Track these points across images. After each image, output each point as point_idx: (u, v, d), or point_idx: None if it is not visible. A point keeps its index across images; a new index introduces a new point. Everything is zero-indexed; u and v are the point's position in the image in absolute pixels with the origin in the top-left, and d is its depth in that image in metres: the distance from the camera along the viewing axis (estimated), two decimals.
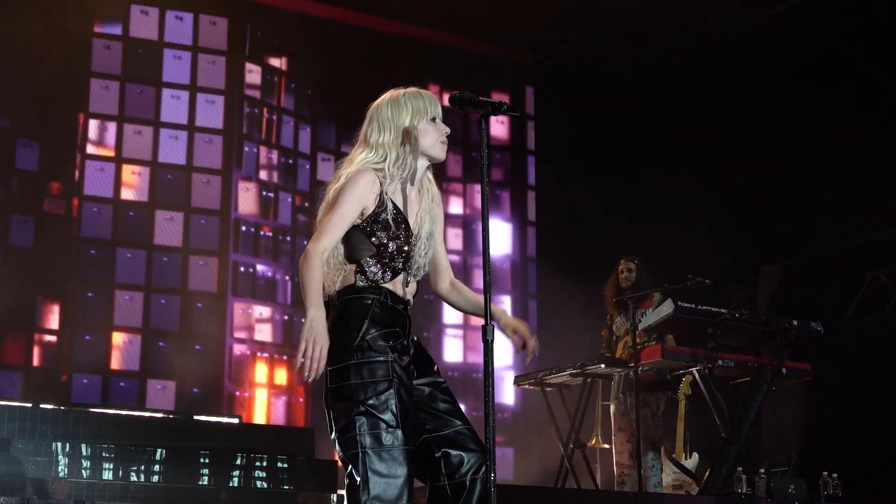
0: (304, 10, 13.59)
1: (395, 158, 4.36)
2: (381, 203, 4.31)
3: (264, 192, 13.40)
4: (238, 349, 12.86)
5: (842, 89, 11.08)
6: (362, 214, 4.30)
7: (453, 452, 4.24)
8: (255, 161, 13.39)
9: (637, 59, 12.23)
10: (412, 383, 4.27)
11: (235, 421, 10.83)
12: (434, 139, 4.40)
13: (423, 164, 4.47)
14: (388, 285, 4.30)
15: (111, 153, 12.73)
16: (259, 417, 12.61)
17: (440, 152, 4.43)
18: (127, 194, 12.74)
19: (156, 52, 13.17)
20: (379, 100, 4.46)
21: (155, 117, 13.01)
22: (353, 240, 4.32)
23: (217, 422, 10.12)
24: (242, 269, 13.11)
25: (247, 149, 13.31)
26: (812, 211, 11.19)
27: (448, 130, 4.45)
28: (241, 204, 13.23)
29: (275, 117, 13.55)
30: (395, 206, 4.35)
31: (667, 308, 8.48)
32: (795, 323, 8.74)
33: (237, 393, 12.66)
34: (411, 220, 4.40)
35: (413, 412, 4.20)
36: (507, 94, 14.44)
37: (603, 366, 9.10)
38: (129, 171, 12.80)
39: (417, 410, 4.27)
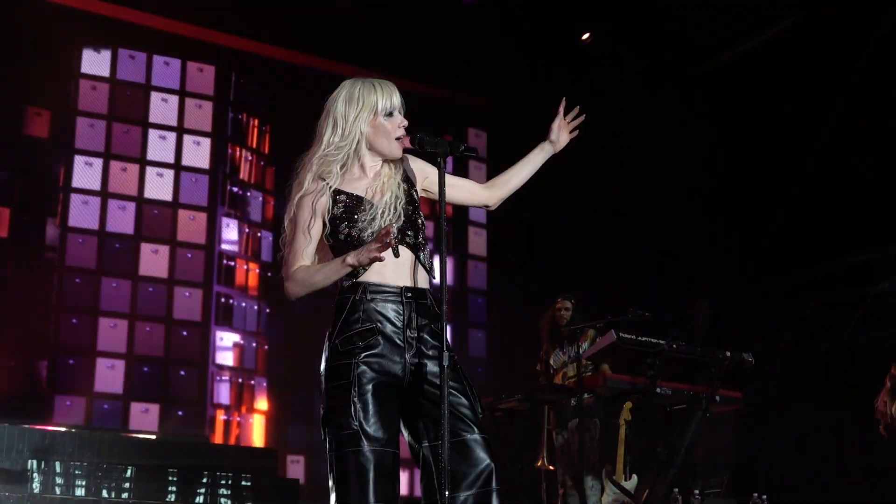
0: (277, 56, 13.62)
1: (342, 158, 4.07)
2: (334, 201, 4.04)
3: (246, 229, 13.34)
4: (219, 375, 12.76)
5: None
6: (326, 220, 4.06)
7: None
8: (235, 198, 13.38)
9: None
10: (398, 379, 3.95)
11: (202, 440, 10.75)
12: (387, 137, 4.10)
13: (377, 159, 4.16)
14: (371, 276, 3.96)
15: (97, 188, 12.61)
16: (233, 439, 12.49)
17: (394, 150, 4.11)
18: (112, 227, 12.60)
19: (143, 93, 13.07)
20: (336, 91, 4.16)
21: (141, 156, 12.91)
22: (331, 245, 4.07)
23: (184, 441, 10.04)
24: (223, 300, 13.00)
25: (230, 188, 13.29)
26: (743, 247, 11.20)
27: (405, 123, 4.12)
28: (225, 239, 13.16)
29: (251, 157, 13.54)
30: (346, 195, 4.05)
31: (608, 339, 8.47)
32: (728, 354, 8.74)
33: (218, 415, 12.54)
34: (367, 195, 4.07)
35: (386, 411, 3.89)
36: (450, 136, 14.20)
37: (549, 393, 9.17)
38: (114, 206, 12.66)
39: (413, 413, 3.99)
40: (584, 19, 12.35)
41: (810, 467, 10.30)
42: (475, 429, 3.93)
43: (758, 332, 10.70)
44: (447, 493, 3.74)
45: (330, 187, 4.05)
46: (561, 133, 4.46)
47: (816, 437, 10.36)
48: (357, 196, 4.07)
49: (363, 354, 3.91)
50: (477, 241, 14.79)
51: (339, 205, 4.04)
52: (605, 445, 9.35)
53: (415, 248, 4.06)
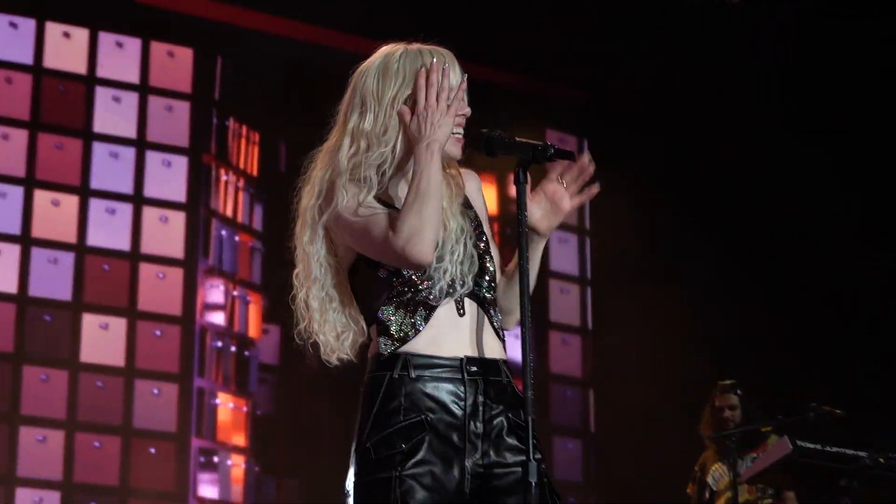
0: (284, 33, 11.23)
1: (380, 155, 3.42)
2: None
3: (235, 291, 11.15)
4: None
5: None
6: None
7: None
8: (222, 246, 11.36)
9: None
10: (456, 496, 3.36)
11: None
12: None
13: None
14: (418, 342, 3.28)
15: (15, 231, 10.39)
16: None
17: (451, 149, 3.51)
18: (38, 289, 10.23)
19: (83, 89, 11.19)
20: (368, 61, 3.58)
21: (82, 183, 10.81)
22: (359, 281, 3.46)
23: None
24: (206, 398, 11.04)
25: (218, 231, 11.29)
26: None
27: (468, 112, 3.52)
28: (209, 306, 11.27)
29: (240, 183, 11.20)
30: None
31: (780, 450, 7.12)
32: None
33: None
34: None
35: None
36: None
37: None
38: (41, 258, 10.26)
39: None
40: None
41: None
42: None
43: None
44: None
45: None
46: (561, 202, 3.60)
47: None
48: None
49: (409, 463, 3.40)
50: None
51: None
52: None
53: (484, 303, 3.54)
